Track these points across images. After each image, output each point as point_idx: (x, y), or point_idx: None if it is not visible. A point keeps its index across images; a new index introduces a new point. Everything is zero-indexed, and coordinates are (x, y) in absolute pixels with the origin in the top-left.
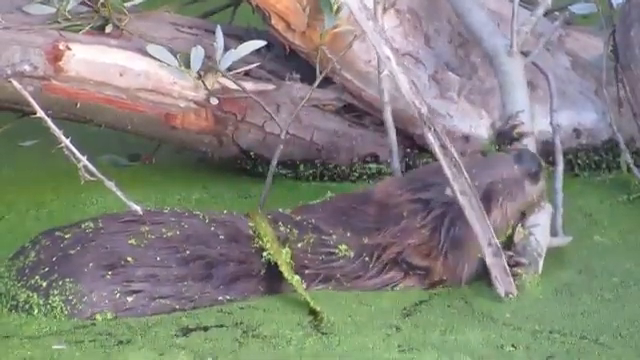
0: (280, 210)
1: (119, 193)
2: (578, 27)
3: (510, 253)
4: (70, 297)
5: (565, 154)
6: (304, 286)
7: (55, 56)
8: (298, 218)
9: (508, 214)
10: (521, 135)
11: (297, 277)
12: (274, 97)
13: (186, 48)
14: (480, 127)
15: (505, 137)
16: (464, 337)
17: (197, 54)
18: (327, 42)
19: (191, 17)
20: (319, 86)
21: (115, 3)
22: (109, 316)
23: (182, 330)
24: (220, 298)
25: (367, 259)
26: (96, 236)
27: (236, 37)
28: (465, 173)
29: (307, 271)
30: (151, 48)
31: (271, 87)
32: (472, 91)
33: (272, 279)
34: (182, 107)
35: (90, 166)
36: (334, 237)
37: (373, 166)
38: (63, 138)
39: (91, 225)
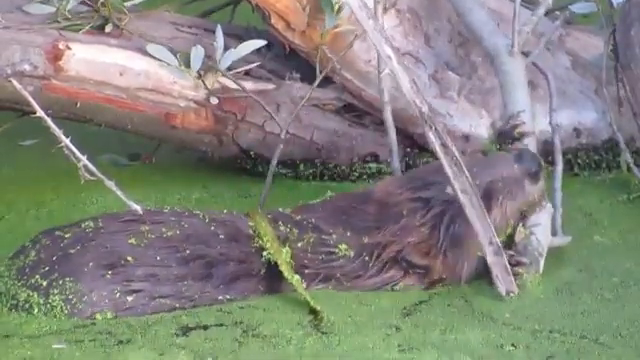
0: (280, 210)
1: (119, 192)
2: (578, 26)
3: (511, 252)
4: (70, 296)
5: (565, 153)
6: (304, 285)
7: (55, 55)
8: (298, 217)
9: (508, 213)
10: (522, 135)
11: (297, 276)
12: (274, 96)
13: (186, 47)
14: (480, 126)
15: (506, 137)
16: (464, 336)
17: (197, 53)
18: (327, 42)
19: (191, 16)
20: (319, 86)
21: (115, 2)
22: (109, 315)
23: (182, 329)
24: (220, 297)
25: (367, 258)
26: (96, 235)
27: (236, 36)
28: (466, 172)
29: (307, 270)
30: (151, 48)
31: (271, 86)
32: (472, 90)
33: (272, 278)
34: (182, 106)
35: (90, 165)
36: (334, 236)
37: (373, 166)
38: (63, 138)
39: (91, 224)
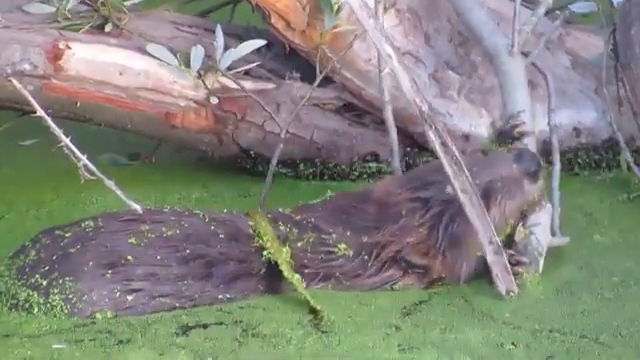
0: (280, 210)
1: (119, 192)
2: (578, 26)
3: (511, 252)
4: (70, 296)
5: (565, 153)
6: (304, 285)
7: (55, 55)
8: (298, 217)
9: (506, 213)
10: (522, 134)
11: (297, 276)
12: (274, 96)
13: (186, 47)
14: (480, 126)
15: (506, 136)
16: (464, 336)
17: (197, 53)
18: (327, 41)
19: (191, 16)
20: (319, 85)
21: (115, 2)
22: (109, 315)
23: (182, 328)
24: (220, 297)
25: (366, 258)
26: (96, 235)
27: (236, 36)
28: (466, 171)
29: (307, 270)
30: (151, 47)
31: (271, 86)
32: (472, 90)
33: (272, 278)
34: (182, 106)
35: (90, 165)
36: (333, 236)
37: (373, 165)
38: (63, 137)
39: (91, 224)
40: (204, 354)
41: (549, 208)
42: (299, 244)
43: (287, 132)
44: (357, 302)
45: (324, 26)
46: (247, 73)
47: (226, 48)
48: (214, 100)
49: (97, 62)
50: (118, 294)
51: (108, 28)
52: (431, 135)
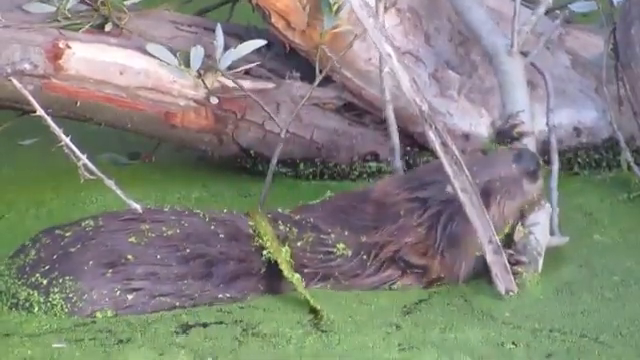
0: (280, 210)
1: (119, 192)
2: (578, 25)
3: (510, 251)
4: (70, 295)
5: (565, 152)
6: (303, 284)
7: (55, 54)
8: (297, 217)
9: (506, 212)
10: (521, 134)
11: (297, 275)
12: (274, 96)
13: (186, 46)
14: (480, 125)
15: (505, 136)
16: (464, 335)
17: (197, 54)
18: (327, 41)
19: (190, 15)
20: (319, 84)
21: (115, 1)
22: (109, 314)
23: (182, 327)
24: (220, 296)
25: (365, 257)
26: (96, 234)
27: (236, 35)
28: (466, 170)
29: (306, 270)
30: (151, 47)
31: (271, 85)
32: (472, 89)
33: (272, 277)
34: (182, 105)
35: (90, 165)
36: (332, 236)
37: (373, 165)
38: (63, 137)
39: (91, 223)
40: (204, 353)
41: (548, 208)
42: (298, 244)
43: (287, 132)
44: (357, 301)
45: (323, 27)
46: (247, 72)
47: (226, 47)
48: (214, 100)
49: (97, 61)
50: (118, 293)
51: (108, 28)
52: (431, 135)
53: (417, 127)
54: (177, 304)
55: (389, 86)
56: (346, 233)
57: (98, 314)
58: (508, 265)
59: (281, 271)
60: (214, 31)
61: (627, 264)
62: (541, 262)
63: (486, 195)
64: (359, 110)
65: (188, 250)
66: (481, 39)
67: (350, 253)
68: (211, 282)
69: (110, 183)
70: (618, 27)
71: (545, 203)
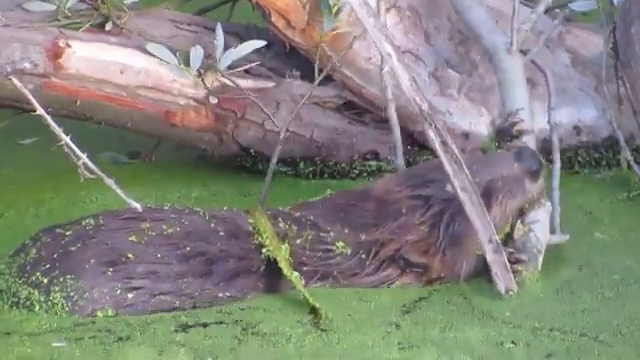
0: (280, 209)
1: (119, 191)
2: (578, 24)
3: (510, 250)
4: (71, 294)
5: (565, 151)
6: (302, 283)
7: (55, 53)
8: (297, 214)
9: (507, 212)
10: (521, 133)
11: (296, 273)
12: (274, 94)
13: (186, 46)
14: (480, 124)
15: (504, 134)
16: (464, 334)
17: (197, 53)
18: (327, 41)
19: (190, 14)
20: (319, 83)
21: (115, 0)
22: (110, 312)
23: (181, 326)
24: (220, 295)
25: (364, 256)
26: (97, 233)
27: (236, 35)
28: (466, 169)
29: (305, 268)
30: (151, 46)
31: (271, 84)
32: (472, 88)
33: (271, 276)
34: (182, 105)
35: (90, 164)
36: (332, 234)
37: (373, 163)
38: (63, 136)
39: (92, 222)
40: (204, 352)
41: (548, 206)
42: (298, 241)
43: (287, 130)
44: (357, 300)
45: (322, 29)
46: (247, 71)
47: (226, 47)
48: (213, 100)
49: (97, 60)
50: (119, 292)
51: (108, 27)
52: (431, 134)
53: (417, 126)
54: (177, 303)
55: (390, 85)
56: (346, 231)
57: (99, 313)
58: (508, 264)
59: (281, 269)
60: (214, 30)
61: (627, 263)
62: (541, 260)
63: (488, 195)
64: (359, 109)
65: (188, 248)
66: (481, 38)
67: (349, 251)
68: (211, 280)
69: (110, 182)
70: (618, 26)
71: (545, 201)
